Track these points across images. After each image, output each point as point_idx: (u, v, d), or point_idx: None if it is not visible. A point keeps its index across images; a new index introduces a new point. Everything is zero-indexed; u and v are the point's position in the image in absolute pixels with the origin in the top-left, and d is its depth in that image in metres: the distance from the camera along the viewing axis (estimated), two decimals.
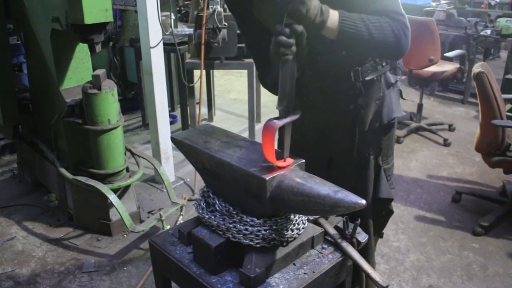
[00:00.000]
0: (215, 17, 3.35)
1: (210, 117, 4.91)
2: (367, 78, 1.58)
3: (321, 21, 1.28)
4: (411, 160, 3.99)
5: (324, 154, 1.75)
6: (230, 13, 3.49)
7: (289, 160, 1.30)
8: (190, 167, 3.72)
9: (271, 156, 1.25)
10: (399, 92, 1.75)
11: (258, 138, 3.75)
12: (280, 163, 1.27)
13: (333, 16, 1.30)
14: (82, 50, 2.87)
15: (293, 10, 1.22)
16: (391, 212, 1.87)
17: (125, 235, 2.94)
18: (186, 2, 5.61)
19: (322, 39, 1.40)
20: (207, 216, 1.37)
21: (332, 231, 1.43)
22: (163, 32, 3.47)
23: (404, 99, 1.83)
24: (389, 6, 1.37)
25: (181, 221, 3.01)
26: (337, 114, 1.67)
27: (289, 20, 1.24)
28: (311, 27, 1.28)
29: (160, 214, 2.88)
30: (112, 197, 2.72)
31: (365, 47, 1.40)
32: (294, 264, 1.37)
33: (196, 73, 3.94)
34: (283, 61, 1.26)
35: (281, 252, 1.33)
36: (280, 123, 1.27)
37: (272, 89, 1.67)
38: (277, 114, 1.33)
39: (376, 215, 1.82)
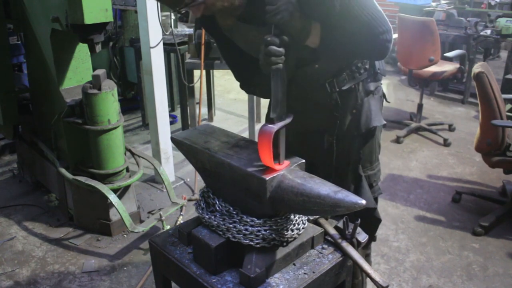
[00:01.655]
0: None
1: (210, 117, 4.91)
2: (344, 88, 1.56)
3: (306, 31, 1.32)
4: (411, 160, 3.99)
5: (306, 157, 1.73)
6: None
7: (286, 163, 1.30)
8: (190, 167, 3.72)
9: (269, 161, 1.25)
10: (380, 99, 1.69)
11: None
12: (277, 166, 1.27)
13: (316, 24, 1.34)
14: (82, 50, 2.87)
15: (282, 21, 1.25)
16: (378, 220, 1.81)
17: (125, 235, 2.94)
18: None
19: (297, 53, 1.43)
20: (207, 216, 1.37)
21: (332, 231, 1.43)
22: (163, 32, 3.47)
23: (388, 102, 1.80)
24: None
25: (181, 221, 3.01)
26: (315, 122, 1.66)
27: (276, 31, 1.27)
28: (296, 36, 1.32)
29: (160, 214, 2.88)
30: (112, 197, 2.72)
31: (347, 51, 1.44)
32: (294, 264, 1.36)
33: (196, 73, 3.94)
34: (275, 70, 1.28)
35: (281, 252, 1.33)
36: (275, 127, 1.28)
37: (261, 95, 1.75)
38: None
39: (363, 222, 1.79)
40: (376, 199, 1.75)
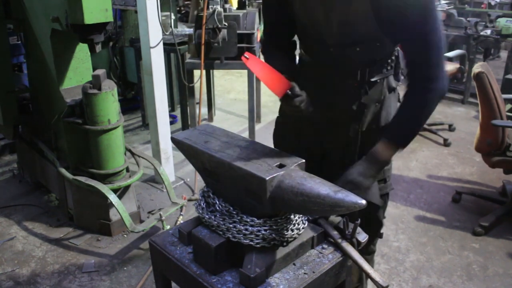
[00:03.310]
0: (215, 17, 3.35)
1: (210, 117, 4.91)
2: (372, 80, 1.59)
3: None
4: (411, 160, 3.99)
5: (319, 147, 1.74)
6: (229, 13, 3.49)
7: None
8: (190, 167, 3.72)
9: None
10: (398, 97, 1.74)
11: (258, 138, 3.76)
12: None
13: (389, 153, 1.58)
14: (82, 50, 2.87)
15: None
16: (379, 223, 1.78)
17: (125, 235, 2.94)
18: (186, 2, 5.61)
19: (341, 29, 1.46)
20: (207, 216, 1.37)
21: (332, 231, 1.43)
22: (163, 32, 3.47)
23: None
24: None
25: (181, 221, 3.01)
26: (336, 112, 1.67)
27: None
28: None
29: (160, 214, 2.88)
30: (112, 197, 2.72)
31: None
32: (294, 264, 1.36)
33: (196, 73, 3.94)
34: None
35: (281, 252, 1.33)
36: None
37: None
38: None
39: (366, 218, 1.78)
40: (387, 195, 1.78)
